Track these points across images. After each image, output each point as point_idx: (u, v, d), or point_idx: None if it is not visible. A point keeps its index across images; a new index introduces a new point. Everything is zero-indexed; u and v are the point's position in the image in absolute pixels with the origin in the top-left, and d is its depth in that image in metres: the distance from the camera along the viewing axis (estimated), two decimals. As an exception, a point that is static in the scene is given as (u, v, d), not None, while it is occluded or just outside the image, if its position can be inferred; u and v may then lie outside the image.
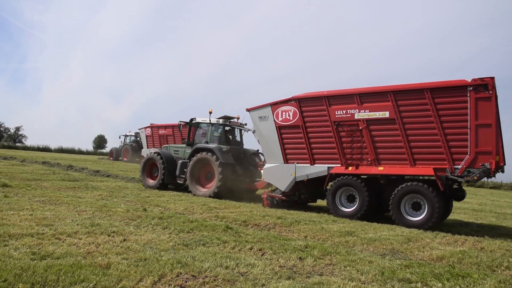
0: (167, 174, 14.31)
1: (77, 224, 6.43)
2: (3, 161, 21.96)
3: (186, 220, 7.53)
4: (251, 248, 5.81)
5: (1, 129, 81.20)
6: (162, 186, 14.38)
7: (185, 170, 13.76)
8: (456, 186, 10.07)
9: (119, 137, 19.98)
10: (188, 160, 13.80)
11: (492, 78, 8.73)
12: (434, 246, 7.07)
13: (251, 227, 7.84)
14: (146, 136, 30.69)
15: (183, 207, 9.73)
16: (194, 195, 13.19)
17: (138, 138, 33.51)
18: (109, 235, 5.89)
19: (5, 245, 4.94)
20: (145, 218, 7.44)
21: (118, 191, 12.29)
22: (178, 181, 14.16)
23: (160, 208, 9.32)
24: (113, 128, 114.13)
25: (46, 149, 46.58)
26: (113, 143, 57.81)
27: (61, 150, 48.15)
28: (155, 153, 15.02)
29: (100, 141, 61.38)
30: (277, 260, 5.30)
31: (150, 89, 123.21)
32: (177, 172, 14.07)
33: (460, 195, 10.13)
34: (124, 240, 5.70)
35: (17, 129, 76.73)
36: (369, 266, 5.25)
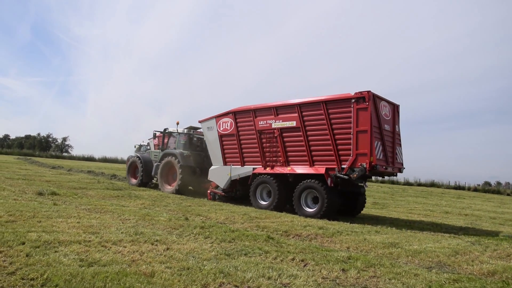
0: (145, 175, 17.32)
1: (122, 232, 6.64)
2: (51, 170, 23.09)
3: (228, 229, 7.59)
4: (293, 259, 5.78)
5: (50, 139, 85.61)
6: (142, 184, 17.33)
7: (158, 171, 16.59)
8: (361, 184, 12.28)
9: (134, 146, 21.51)
10: (159, 163, 16.57)
11: (369, 92, 10.62)
12: (484, 260, 6.74)
13: (293, 237, 7.79)
14: (154, 145, 31.54)
15: (224, 216, 9.81)
16: (162, 191, 15.74)
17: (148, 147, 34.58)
18: (152, 244, 6.04)
19: (55, 251, 5.18)
20: (187, 227, 7.57)
21: (160, 200, 12.58)
22: (153, 180, 17.62)
23: (201, 218, 9.45)
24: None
25: (90, 159, 48.42)
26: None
27: (104, 160, 49.90)
28: (136, 157, 18.07)
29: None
30: (320, 271, 5.23)
31: (190, 99, 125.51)
32: (153, 173, 17.01)
33: (356, 192, 12.31)
34: (167, 248, 5.82)
35: (64, 139, 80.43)
36: (415, 279, 5.08)
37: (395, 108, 11.84)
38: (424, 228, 10.30)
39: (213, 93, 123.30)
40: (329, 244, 7.38)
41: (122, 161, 51.65)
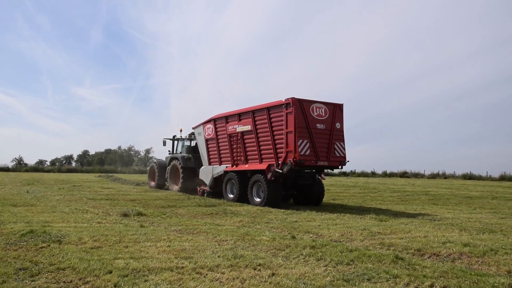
0: (160, 177, 24.41)
1: (218, 256, 6.92)
2: (136, 187, 24.95)
3: (344, 249, 7.51)
4: (431, 285, 5.53)
5: (132, 152, 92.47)
6: (158, 186, 24.47)
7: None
8: (318, 177, 17.15)
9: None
10: (169, 166, 23.57)
11: (293, 98, 15.21)
12: None
13: (428, 257, 7.45)
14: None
15: (339, 233, 9.72)
16: (171, 190, 22.75)
17: None
18: (255, 269, 6.20)
19: (145, 280, 5.56)
20: (295, 248, 7.63)
21: (261, 216, 12.86)
22: (166, 183, 24.09)
23: (311, 235, 9.47)
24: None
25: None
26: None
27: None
28: (154, 162, 25.51)
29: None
30: (471, 301, 4.92)
31: (287, 94, 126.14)
32: (166, 175, 23.85)
33: (308, 183, 16.89)
34: (273, 274, 5.92)
35: (147, 151, 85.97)
36: None
37: (335, 108, 16.33)
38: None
39: (314, 83, 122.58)
40: (480, 267, 6.91)
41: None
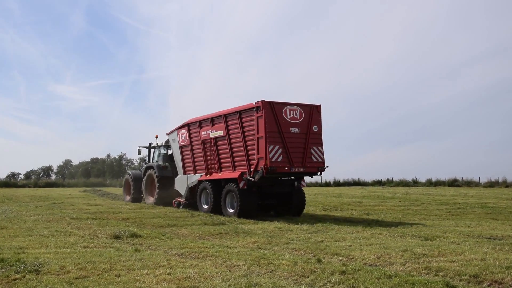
0: (136, 190, 26.26)
1: (229, 285, 6.94)
2: (129, 203, 25.04)
3: (382, 274, 7.47)
4: (491, 318, 5.47)
5: (123, 161, 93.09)
6: (134, 200, 26.01)
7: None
8: (298, 185, 18.53)
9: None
10: (144, 176, 25.55)
11: (263, 101, 16.68)
12: None
13: (488, 286, 7.38)
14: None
15: (374, 254, 9.67)
16: (146, 203, 24.64)
17: None
18: (273, 300, 6.19)
19: (143, 316, 5.57)
20: (321, 274, 7.61)
21: (279, 235, 12.86)
22: (142, 195, 25.95)
23: (340, 258, 9.44)
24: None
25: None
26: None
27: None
28: (128, 174, 27.86)
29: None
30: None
31: (308, 87, 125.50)
32: (142, 187, 25.73)
33: (288, 192, 18.61)
34: (295, 306, 5.90)
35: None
36: None
37: (312, 109, 17.84)
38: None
39: (339, 73, 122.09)
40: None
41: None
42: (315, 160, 17.77)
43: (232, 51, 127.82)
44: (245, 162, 17.60)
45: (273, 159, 16.59)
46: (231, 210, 18.04)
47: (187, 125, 21.42)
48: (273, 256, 9.35)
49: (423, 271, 8.24)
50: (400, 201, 26.25)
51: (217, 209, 18.73)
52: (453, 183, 51.86)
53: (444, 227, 14.92)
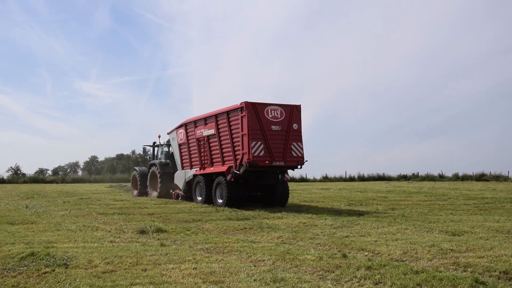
0: (142, 186, 28.55)
1: (255, 280, 6.96)
2: (154, 199, 25.23)
3: (408, 270, 7.41)
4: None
5: (147, 157, 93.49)
6: (141, 194, 28.28)
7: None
8: (283, 178, 20.56)
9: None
10: (148, 172, 28.14)
11: (246, 102, 18.85)
12: None
13: (518, 281, 7.27)
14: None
15: (400, 250, 9.60)
16: (150, 197, 26.88)
17: None
18: (298, 295, 6.18)
19: (169, 310, 5.61)
20: (347, 269, 7.58)
21: (304, 230, 12.84)
22: (147, 190, 28.13)
23: (366, 253, 9.39)
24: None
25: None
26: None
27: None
28: (135, 170, 30.10)
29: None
30: None
31: (333, 82, 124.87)
32: (147, 183, 28.16)
33: (271, 184, 20.49)
34: (320, 301, 5.89)
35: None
36: None
37: (292, 109, 19.92)
38: None
39: (363, 67, 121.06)
40: None
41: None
42: (295, 154, 19.82)
43: (254, 46, 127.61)
44: (232, 157, 19.79)
45: (255, 154, 18.74)
46: (220, 201, 20.24)
47: (185, 125, 23.94)
48: (298, 251, 9.35)
49: (451, 266, 8.16)
50: (426, 196, 26.02)
51: (209, 200, 20.99)
52: (481, 177, 51.15)
53: (472, 222, 14.73)
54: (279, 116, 19.54)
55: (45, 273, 7.55)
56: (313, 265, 8.00)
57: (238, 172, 19.26)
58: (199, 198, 21.84)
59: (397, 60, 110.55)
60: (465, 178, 51.82)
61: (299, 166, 20.22)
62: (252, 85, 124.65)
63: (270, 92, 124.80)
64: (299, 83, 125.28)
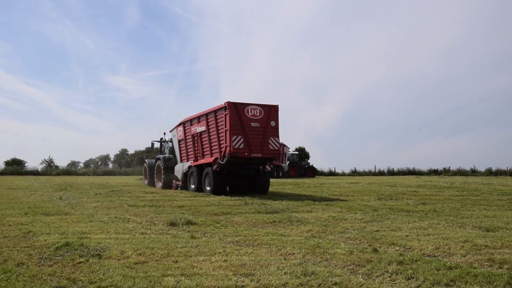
0: (150, 176, 32.89)
1: (285, 273, 6.95)
2: (183, 191, 25.44)
3: (441, 265, 7.34)
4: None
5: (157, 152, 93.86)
6: (150, 184, 32.57)
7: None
8: (262, 168, 24.06)
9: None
10: (155, 165, 31.95)
11: (229, 102, 22.18)
12: None
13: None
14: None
15: (433, 245, 9.50)
16: (156, 187, 30.64)
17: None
18: (329, 289, 6.16)
19: (201, 302, 5.65)
20: (378, 263, 7.54)
21: (334, 224, 12.78)
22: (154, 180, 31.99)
23: (397, 248, 9.31)
24: (315, 137, 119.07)
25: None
26: (315, 156, 60.29)
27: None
28: (145, 162, 34.98)
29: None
30: None
31: (362, 76, 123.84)
32: (154, 174, 31.85)
33: (253, 174, 24.24)
34: (352, 295, 5.86)
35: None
36: None
37: (271, 108, 23.18)
38: None
39: (393, 61, 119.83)
40: None
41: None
42: (271, 148, 23.20)
43: (283, 40, 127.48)
44: (218, 150, 23.14)
45: (236, 146, 22.14)
46: (208, 188, 23.63)
47: (183, 123, 27.77)
48: (328, 245, 9.32)
49: (486, 263, 8.03)
50: (458, 191, 25.70)
51: (200, 188, 24.50)
52: (516, 172, 50.28)
53: (506, 218, 14.41)
54: (258, 115, 22.87)
55: (79, 263, 7.68)
56: (343, 259, 7.97)
57: (221, 162, 22.62)
58: (192, 186, 25.52)
59: (428, 53, 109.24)
60: (499, 173, 51.06)
61: (276, 158, 24.61)
62: (280, 79, 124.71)
63: (298, 86, 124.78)
64: (328, 77, 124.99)
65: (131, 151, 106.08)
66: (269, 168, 24.47)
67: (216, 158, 23.13)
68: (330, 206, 17.34)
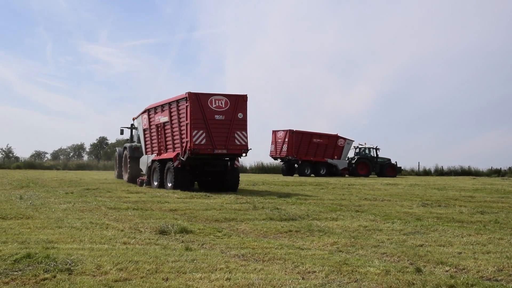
0: (119, 167, 35.75)
1: (303, 296, 6.92)
2: (176, 191, 25.44)
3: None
4: None
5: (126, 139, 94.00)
6: (119, 176, 36.26)
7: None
8: (230, 164, 26.64)
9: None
10: (122, 155, 35.22)
11: (189, 93, 24.74)
12: None
13: None
14: None
15: (494, 266, 9.41)
16: (123, 179, 34.22)
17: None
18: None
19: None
20: (422, 287, 7.51)
21: (365, 236, 12.75)
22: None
23: (447, 268, 9.27)
24: (345, 124, 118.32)
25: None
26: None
27: (261, 169, 52.61)
28: (116, 151, 37.99)
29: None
30: None
31: (403, 51, 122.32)
32: (122, 165, 35.21)
33: (221, 171, 26.66)
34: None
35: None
36: None
37: (238, 99, 25.61)
38: None
39: (444, 28, 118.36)
40: None
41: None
42: (238, 143, 25.73)
43: (305, 2, 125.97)
44: (179, 145, 25.71)
45: (196, 142, 24.55)
46: (169, 185, 26.31)
47: (147, 111, 30.26)
48: (358, 262, 9.29)
49: (560, 289, 8.01)
50: (525, 197, 25.58)
51: (162, 184, 27.16)
52: None
53: None
54: (223, 106, 25.34)
55: (44, 279, 7.67)
56: (377, 280, 7.96)
57: (183, 158, 25.13)
58: (155, 183, 28.10)
59: (492, 17, 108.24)
60: None
61: (243, 154, 26.52)
62: (300, 52, 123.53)
63: (323, 61, 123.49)
64: (360, 50, 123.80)
65: (111, 140, 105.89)
66: (238, 165, 27.41)
67: (178, 154, 25.68)
68: (360, 213, 17.33)
